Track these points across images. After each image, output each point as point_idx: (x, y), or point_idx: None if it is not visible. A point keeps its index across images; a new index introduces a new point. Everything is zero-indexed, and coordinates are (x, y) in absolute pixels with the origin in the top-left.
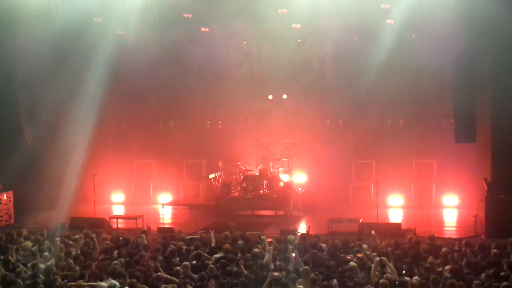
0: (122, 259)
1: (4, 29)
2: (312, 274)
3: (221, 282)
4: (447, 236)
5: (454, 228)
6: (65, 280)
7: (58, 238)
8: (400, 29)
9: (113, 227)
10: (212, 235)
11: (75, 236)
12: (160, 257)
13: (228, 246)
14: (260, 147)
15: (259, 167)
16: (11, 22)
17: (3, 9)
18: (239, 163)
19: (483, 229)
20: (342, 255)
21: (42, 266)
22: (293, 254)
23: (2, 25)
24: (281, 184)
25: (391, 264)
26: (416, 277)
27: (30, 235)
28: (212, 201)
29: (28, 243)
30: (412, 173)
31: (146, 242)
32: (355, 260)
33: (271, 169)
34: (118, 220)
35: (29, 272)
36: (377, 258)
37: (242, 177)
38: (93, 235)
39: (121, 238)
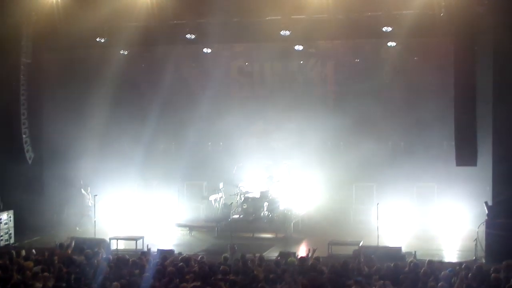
0: (123, 280)
1: (8, 48)
2: None
3: None
4: (447, 259)
5: (454, 252)
6: None
7: (56, 257)
8: (401, 51)
9: (114, 247)
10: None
11: (75, 257)
12: (160, 278)
13: (225, 267)
14: (262, 168)
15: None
16: (15, 42)
17: (7, 28)
18: (240, 185)
19: (484, 252)
20: (342, 278)
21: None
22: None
23: (6, 44)
24: (282, 206)
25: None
26: None
27: (30, 255)
28: (212, 223)
29: (30, 263)
30: (413, 196)
31: (146, 263)
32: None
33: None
34: (119, 240)
35: None
36: (380, 282)
37: (242, 198)
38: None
39: (121, 259)
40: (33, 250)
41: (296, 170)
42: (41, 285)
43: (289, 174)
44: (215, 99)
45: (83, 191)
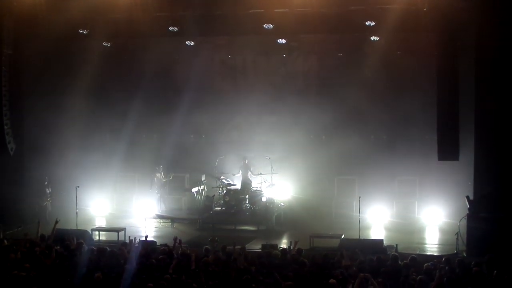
0: (105, 271)
1: None
2: None
3: None
4: (429, 253)
5: (436, 245)
6: None
7: (37, 249)
8: (385, 46)
9: (95, 239)
10: None
11: (56, 247)
12: (142, 270)
13: (207, 259)
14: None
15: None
16: None
17: None
18: (222, 177)
19: (465, 246)
20: (324, 271)
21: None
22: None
23: None
24: (264, 198)
25: (374, 281)
26: None
27: (13, 246)
28: (194, 215)
29: (18, 256)
30: (395, 190)
31: (127, 255)
32: (340, 277)
33: (251, 176)
34: (100, 232)
35: None
36: (361, 274)
37: (224, 191)
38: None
39: (103, 250)
40: (5, 241)
41: (278, 163)
42: (25, 274)
43: (271, 167)
44: (197, 92)
45: (159, 175)
